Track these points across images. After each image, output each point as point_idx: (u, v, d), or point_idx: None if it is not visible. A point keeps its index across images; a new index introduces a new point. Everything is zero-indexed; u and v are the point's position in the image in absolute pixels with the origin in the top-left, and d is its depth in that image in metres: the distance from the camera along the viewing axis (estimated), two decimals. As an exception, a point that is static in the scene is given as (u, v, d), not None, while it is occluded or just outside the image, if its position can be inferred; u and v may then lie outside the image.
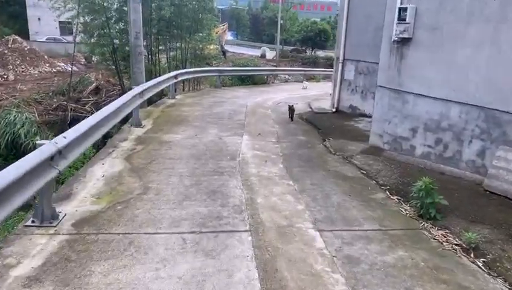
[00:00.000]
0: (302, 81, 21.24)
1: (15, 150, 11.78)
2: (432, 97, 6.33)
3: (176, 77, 13.39)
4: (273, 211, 4.88)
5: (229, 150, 7.45)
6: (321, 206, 5.11)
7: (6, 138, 11.96)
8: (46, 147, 3.95)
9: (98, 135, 5.66)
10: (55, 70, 25.52)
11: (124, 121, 9.10)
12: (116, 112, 6.87)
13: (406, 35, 6.53)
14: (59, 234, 4.05)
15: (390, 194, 5.66)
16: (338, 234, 4.40)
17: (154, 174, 5.93)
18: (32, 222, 4.15)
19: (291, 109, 10.69)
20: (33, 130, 12.72)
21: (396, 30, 6.61)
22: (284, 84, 22.91)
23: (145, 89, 9.31)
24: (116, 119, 6.97)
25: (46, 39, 32.70)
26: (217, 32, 30.01)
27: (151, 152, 7.01)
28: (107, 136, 9.61)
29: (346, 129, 9.68)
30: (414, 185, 5.06)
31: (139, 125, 8.86)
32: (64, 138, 4.31)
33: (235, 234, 4.28)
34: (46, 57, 26.82)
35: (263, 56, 41.48)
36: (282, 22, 42.37)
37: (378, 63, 10.88)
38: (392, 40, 6.80)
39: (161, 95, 13.80)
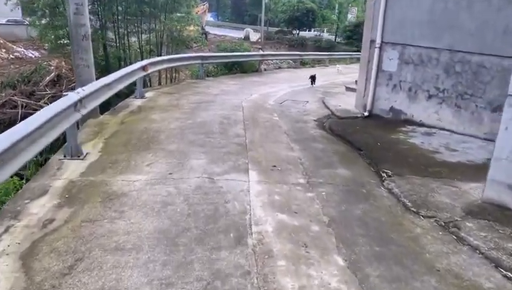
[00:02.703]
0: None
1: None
2: None
3: (144, 68, 9.84)
4: None
5: (229, 214, 4.08)
6: None
7: None
8: None
9: None
10: (12, 56, 22.08)
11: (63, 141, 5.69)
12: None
13: None
14: None
15: None
16: None
17: (68, 320, 2.56)
18: None
19: (312, 77, 13.32)
20: (-27, 134, 9.92)
21: None
22: (278, 72, 19.47)
23: (87, 96, 5.72)
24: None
25: (6, 21, 28.44)
26: (197, 13, 26.59)
27: (80, 231, 3.59)
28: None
29: (400, 149, 6.43)
30: None
31: (77, 155, 5.38)
32: None
33: None
34: (1, 41, 23.08)
35: (247, 38, 38.15)
36: (266, 1, 38.67)
37: (437, 48, 7.64)
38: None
39: (134, 86, 10.19)
